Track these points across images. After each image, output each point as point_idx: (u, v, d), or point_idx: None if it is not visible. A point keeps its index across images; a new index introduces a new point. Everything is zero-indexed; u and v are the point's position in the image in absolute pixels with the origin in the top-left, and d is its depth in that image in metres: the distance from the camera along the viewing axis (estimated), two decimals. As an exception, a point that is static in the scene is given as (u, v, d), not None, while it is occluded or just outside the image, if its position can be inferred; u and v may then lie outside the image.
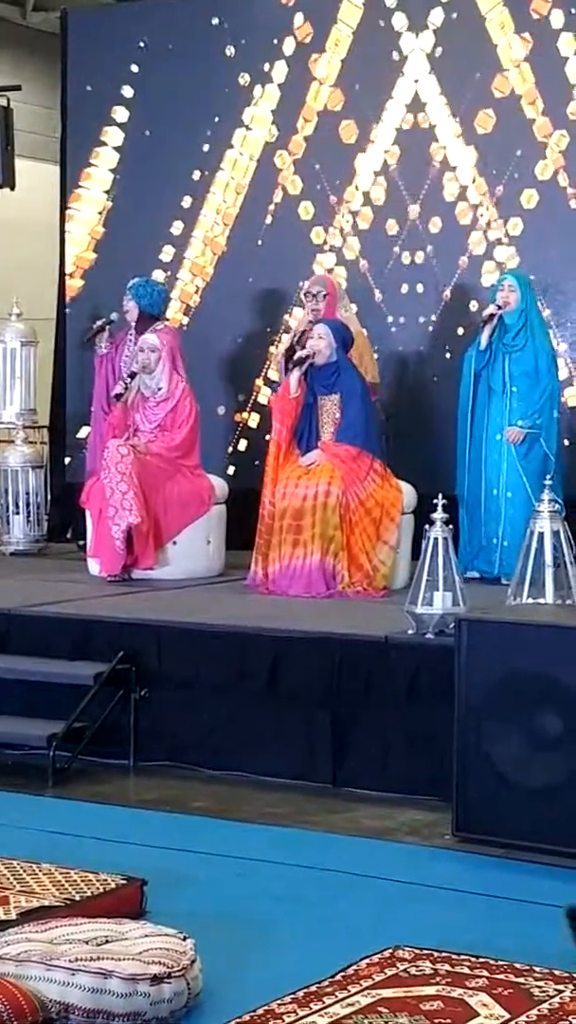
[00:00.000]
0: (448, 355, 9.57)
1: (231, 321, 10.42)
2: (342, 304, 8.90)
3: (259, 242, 10.34)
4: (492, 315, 8.37)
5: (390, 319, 9.93)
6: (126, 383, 8.71)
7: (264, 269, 10.29)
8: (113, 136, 10.91)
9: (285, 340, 9.05)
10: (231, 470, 9.96)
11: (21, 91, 11.84)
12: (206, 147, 10.52)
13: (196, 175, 10.54)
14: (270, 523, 8.08)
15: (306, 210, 10.20)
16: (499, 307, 8.37)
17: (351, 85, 10.04)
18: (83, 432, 10.13)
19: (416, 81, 9.82)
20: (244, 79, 10.40)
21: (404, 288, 9.90)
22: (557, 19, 9.38)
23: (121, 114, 10.87)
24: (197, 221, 10.57)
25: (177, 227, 10.61)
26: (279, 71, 10.27)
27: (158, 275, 10.37)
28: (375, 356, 9.22)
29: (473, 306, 9.55)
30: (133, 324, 9.30)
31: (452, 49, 9.72)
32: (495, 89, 9.59)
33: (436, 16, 9.74)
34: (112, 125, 10.91)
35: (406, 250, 9.90)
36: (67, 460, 10.83)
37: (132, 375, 8.73)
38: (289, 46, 10.23)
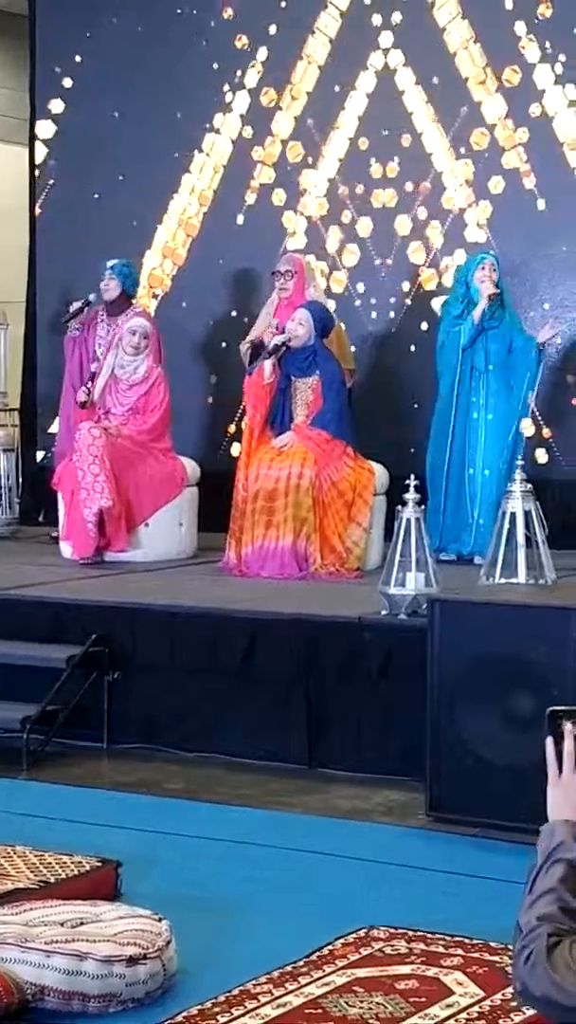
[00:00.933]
0: (420, 336, 9.57)
1: (204, 303, 10.41)
2: (311, 283, 8.88)
3: (236, 223, 10.32)
4: (494, 294, 8.37)
5: (359, 302, 9.93)
6: (88, 389, 8.69)
7: (238, 252, 10.26)
8: (83, 118, 10.86)
9: (253, 332, 9.02)
10: (205, 452, 9.95)
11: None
12: (180, 128, 10.47)
13: (170, 157, 10.50)
14: (243, 507, 8.08)
15: (279, 197, 10.19)
16: (496, 288, 8.39)
17: (329, 67, 10.02)
18: (55, 426, 10.06)
19: (386, 52, 9.81)
20: (222, 60, 10.36)
21: (375, 270, 9.90)
22: None
23: (91, 96, 10.81)
24: (171, 202, 10.53)
25: (151, 208, 10.57)
26: (261, 52, 10.24)
27: (129, 257, 10.34)
28: (347, 341, 9.22)
29: (443, 283, 9.55)
30: (106, 304, 9.29)
31: (418, 26, 9.72)
32: (465, 75, 9.60)
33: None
34: (82, 107, 10.86)
35: (379, 230, 9.91)
36: (39, 453, 10.80)
37: (92, 377, 8.72)
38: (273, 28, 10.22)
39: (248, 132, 10.29)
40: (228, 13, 10.30)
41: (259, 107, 10.24)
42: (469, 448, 8.43)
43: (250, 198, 10.29)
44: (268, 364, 8.16)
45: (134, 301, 9.39)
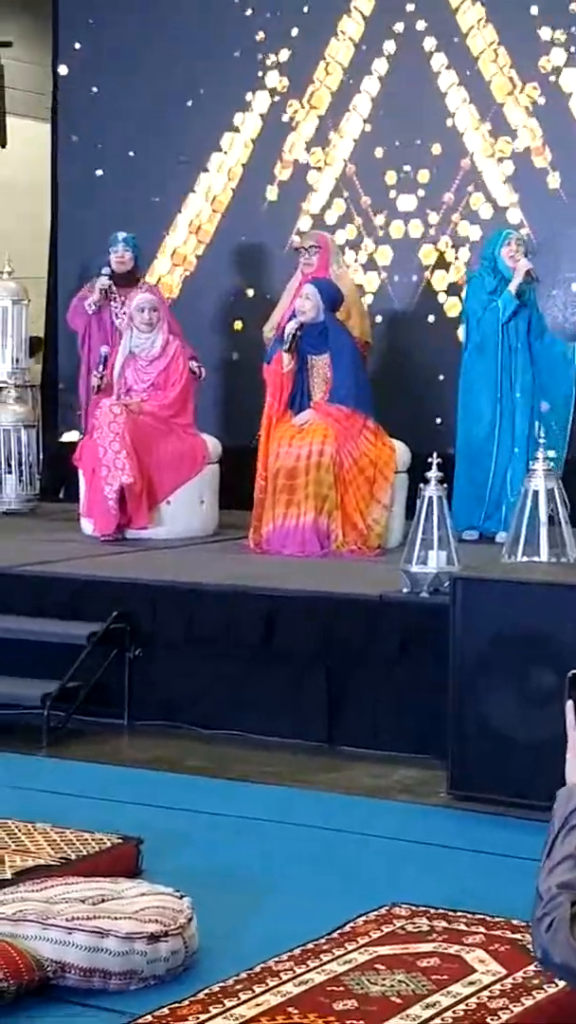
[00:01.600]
0: (441, 312, 9.55)
1: (229, 280, 10.39)
2: (335, 260, 8.85)
3: (264, 200, 10.29)
4: (532, 270, 8.34)
5: (384, 275, 9.90)
6: (101, 374, 8.66)
7: (264, 229, 10.23)
8: (105, 92, 10.83)
9: (276, 313, 9.00)
10: (227, 430, 9.95)
11: (12, 48, 11.76)
12: (208, 104, 10.42)
13: (197, 132, 10.45)
14: (264, 487, 8.04)
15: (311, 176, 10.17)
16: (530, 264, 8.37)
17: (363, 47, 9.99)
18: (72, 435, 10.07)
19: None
20: (259, 36, 10.30)
21: (399, 243, 9.87)
22: None
23: (114, 70, 10.77)
24: (198, 179, 10.50)
25: (176, 184, 10.55)
26: (296, 32, 10.19)
27: (151, 232, 10.34)
28: (366, 312, 9.17)
29: (462, 258, 9.53)
30: (116, 277, 9.35)
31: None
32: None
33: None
34: (104, 81, 10.82)
35: (402, 206, 9.87)
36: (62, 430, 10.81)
37: (104, 361, 8.70)
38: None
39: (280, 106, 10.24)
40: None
41: (297, 74, 10.17)
42: (505, 425, 8.40)
43: (283, 174, 10.23)
44: (286, 355, 8.11)
45: (139, 274, 9.48)
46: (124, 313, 9.02)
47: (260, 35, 10.28)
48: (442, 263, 9.73)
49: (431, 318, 9.70)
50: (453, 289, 9.58)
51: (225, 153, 10.41)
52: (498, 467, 8.40)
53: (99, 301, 9.34)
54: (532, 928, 2.59)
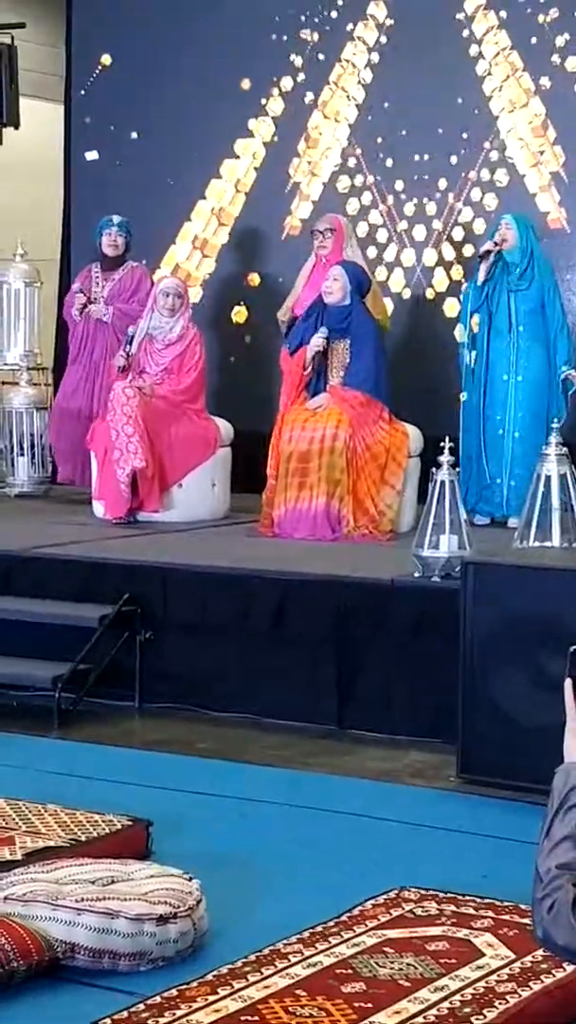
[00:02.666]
0: (456, 296, 9.54)
1: (245, 265, 10.39)
2: (349, 243, 8.83)
3: (284, 186, 10.28)
4: (488, 251, 8.33)
5: (399, 260, 9.88)
6: (126, 354, 8.67)
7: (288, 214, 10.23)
8: (120, 74, 10.81)
9: (290, 297, 8.99)
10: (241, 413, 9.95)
11: (25, 29, 11.73)
12: (228, 86, 10.41)
13: (216, 116, 10.44)
14: (277, 470, 8.03)
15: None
16: (496, 244, 8.33)
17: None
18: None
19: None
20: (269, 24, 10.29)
21: (413, 228, 9.86)
22: None
23: (130, 52, 10.75)
24: (222, 163, 10.49)
25: (193, 167, 10.53)
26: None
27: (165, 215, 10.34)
28: (381, 298, 9.17)
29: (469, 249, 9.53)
30: (103, 260, 9.47)
31: None
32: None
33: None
34: (119, 63, 10.81)
35: (414, 196, 9.86)
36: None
37: (130, 340, 8.71)
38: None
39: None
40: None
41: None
42: (498, 410, 8.37)
43: (307, 155, 10.23)
44: (309, 353, 8.09)
45: (128, 256, 9.55)
46: (103, 296, 9.28)
47: (276, 18, 10.27)
48: (462, 242, 9.71)
49: (446, 305, 9.69)
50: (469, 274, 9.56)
51: (252, 136, 10.37)
52: (490, 451, 8.37)
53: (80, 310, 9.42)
54: (533, 908, 2.59)
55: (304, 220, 10.01)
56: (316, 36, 10.15)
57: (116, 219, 9.48)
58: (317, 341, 8.11)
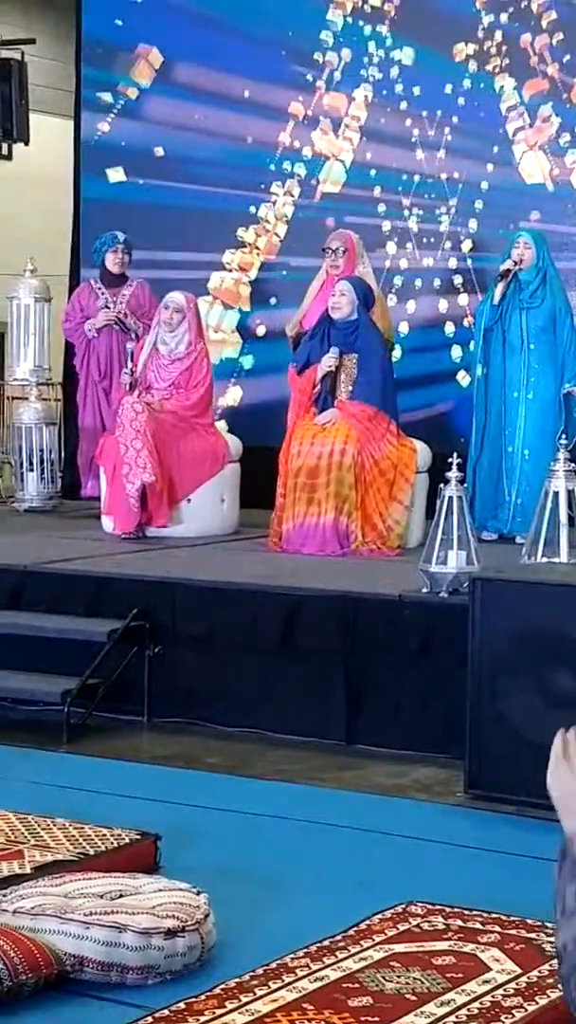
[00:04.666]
0: (467, 312, 9.57)
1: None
2: (361, 261, 8.85)
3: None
4: (508, 271, 8.34)
5: (408, 274, 9.91)
6: (131, 370, 8.70)
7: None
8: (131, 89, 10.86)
9: (300, 312, 9.02)
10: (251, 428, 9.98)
11: (35, 45, 11.79)
12: (239, 101, 10.46)
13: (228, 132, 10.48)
14: (286, 485, 8.05)
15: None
16: (515, 263, 8.34)
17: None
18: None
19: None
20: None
21: (423, 243, 9.89)
22: None
23: (139, 67, 10.79)
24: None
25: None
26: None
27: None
28: (388, 312, 9.19)
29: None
30: (105, 276, 9.57)
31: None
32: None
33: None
34: (127, 78, 10.85)
35: (421, 209, 9.89)
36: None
37: (132, 356, 8.75)
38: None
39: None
40: None
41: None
42: (508, 427, 8.39)
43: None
44: (320, 373, 8.12)
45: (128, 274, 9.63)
46: (122, 309, 9.37)
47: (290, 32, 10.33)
48: (470, 264, 9.73)
49: (456, 322, 9.72)
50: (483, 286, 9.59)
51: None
52: (500, 468, 8.38)
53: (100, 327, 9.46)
54: (563, 984, 2.49)
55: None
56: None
57: (121, 236, 9.53)
58: (329, 361, 8.12)
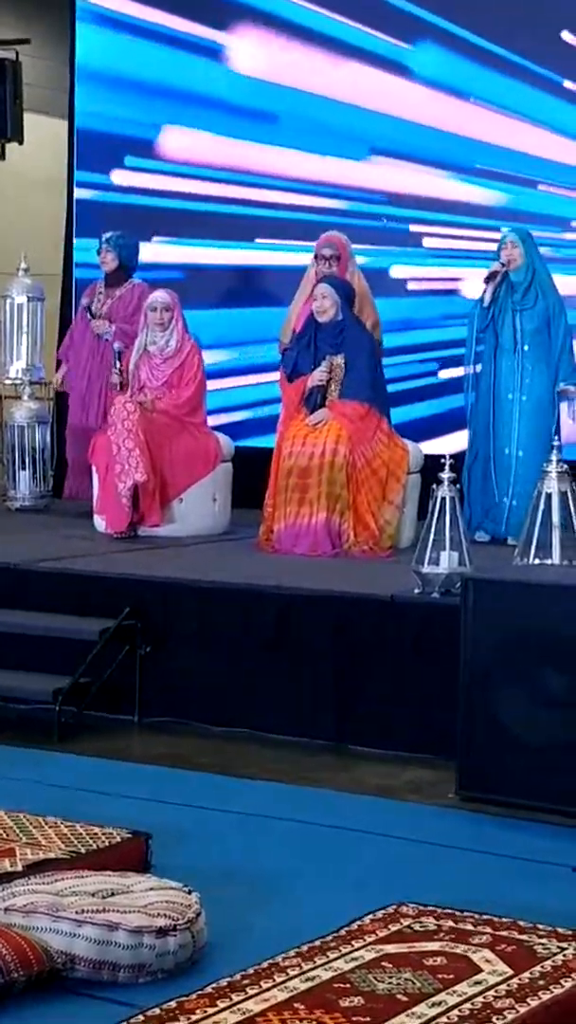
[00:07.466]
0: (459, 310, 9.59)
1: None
2: (351, 263, 8.83)
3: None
4: (495, 272, 8.34)
5: (402, 275, 9.91)
6: (120, 370, 8.69)
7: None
8: (125, 88, 10.85)
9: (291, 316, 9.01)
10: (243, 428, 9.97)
11: (29, 44, 11.77)
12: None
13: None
14: (277, 485, 8.05)
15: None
16: (503, 264, 8.34)
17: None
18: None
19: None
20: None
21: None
22: None
23: (132, 67, 10.79)
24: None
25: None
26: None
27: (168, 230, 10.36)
28: (376, 312, 9.16)
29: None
30: (104, 277, 9.54)
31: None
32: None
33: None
34: (123, 78, 10.85)
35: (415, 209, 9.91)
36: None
37: (119, 356, 8.74)
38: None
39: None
40: None
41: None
42: (501, 428, 8.38)
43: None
44: (311, 384, 8.13)
45: (132, 272, 9.56)
46: (104, 312, 9.37)
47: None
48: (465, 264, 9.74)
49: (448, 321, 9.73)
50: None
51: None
52: (494, 469, 8.38)
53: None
54: None
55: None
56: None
57: (105, 236, 9.54)
58: (320, 376, 8.12)
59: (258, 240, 10.43)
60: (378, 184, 10.04)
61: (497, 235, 8.74)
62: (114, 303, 9.46)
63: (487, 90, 9.67)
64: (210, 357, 8.90)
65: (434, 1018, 3.50)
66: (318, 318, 8.20)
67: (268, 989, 3.64)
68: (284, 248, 10.22)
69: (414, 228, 9.93)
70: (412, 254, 9.98)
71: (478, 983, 3.70)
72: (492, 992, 3.65)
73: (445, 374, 9.68)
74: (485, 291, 8.37)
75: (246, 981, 3.69)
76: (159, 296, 8.71)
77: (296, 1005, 3.55)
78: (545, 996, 3.61)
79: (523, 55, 9.53)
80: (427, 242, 9.93)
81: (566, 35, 9.44)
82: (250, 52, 10.46)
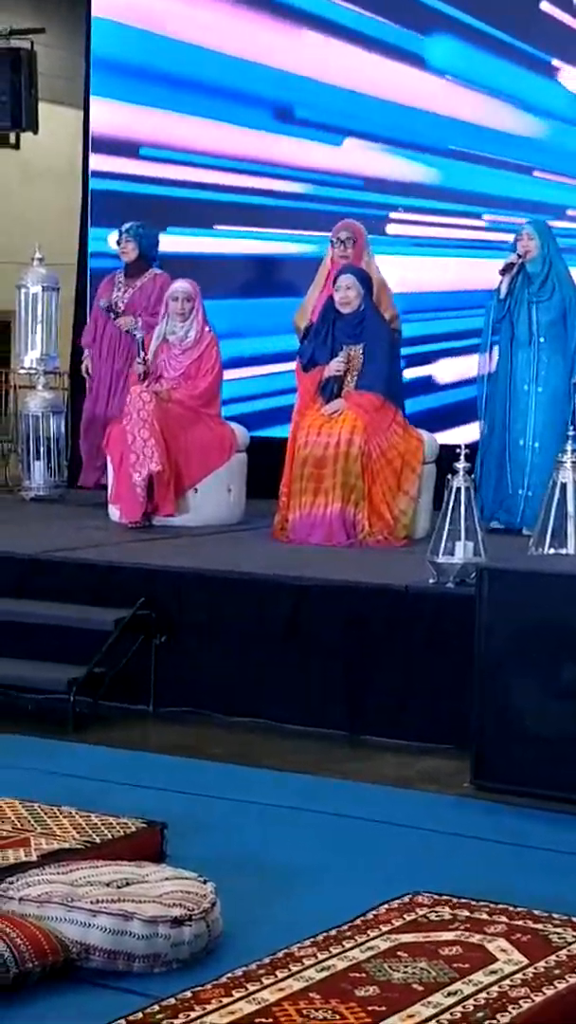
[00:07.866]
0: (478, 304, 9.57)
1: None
2: (367, 251, 8.82)
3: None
4: (511, 264, 8.32)
5: (420, 265, 9.90)
6: (144, 359, 8.68)
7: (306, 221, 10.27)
8: (140, 78, 10.84)
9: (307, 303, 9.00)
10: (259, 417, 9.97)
11: (44, 34, 11.77)
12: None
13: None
14: (292, 474, 8.04)
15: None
16: (519, 256, 8.32)
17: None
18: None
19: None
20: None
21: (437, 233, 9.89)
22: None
23: (147, 57, 10.78)
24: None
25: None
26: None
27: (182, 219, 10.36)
28: (393, 302, 9.16)
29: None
30: (124, 267, 9.55)
31: None
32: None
33: None
34: (138, 68, 10.84)
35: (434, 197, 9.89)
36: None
37: (142, 346, 8.74)
38: None
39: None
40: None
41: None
42: (516, 420, 8.37)
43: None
44: (327, 374, 8.11)
45: (153, 263, 9.55)
46: (124, 301, 9.36)
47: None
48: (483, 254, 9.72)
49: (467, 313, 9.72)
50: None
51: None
52: (510, 460, 8.37)
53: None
54: None
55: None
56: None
57: (124, 226, 9.53)
58: (337, 366, 8.11)
59: (273, 230, 10.40)
60: (394, 175, 10.02)
61: (521, 220, 8.72)
62: (135, 293, 9.46)
63: (496, 79, 9.67)
64: (224, 347, 8.87)
65: (449, 1007, 3.50)
66: (341, 309, 8.19)
67: (283, 979, 3.64)
68: (299, 239, 10.22)
69: (426, 219, 9.90)
70: (424, 243, 9.98)
71: (493, 972, 3.70)
72: (508, 981, 3.64)
73: (447, 365, 9.67)
74: (501, 283, 8.36)
75: (261, 971, 3.69)
76: (181, 286, 8.71)
77: (312, 995, 3.55)
78: (561, 985, 3.61)
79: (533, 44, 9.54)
80: (441, 233, 9.92)
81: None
82: (266, 42, 10.44)
